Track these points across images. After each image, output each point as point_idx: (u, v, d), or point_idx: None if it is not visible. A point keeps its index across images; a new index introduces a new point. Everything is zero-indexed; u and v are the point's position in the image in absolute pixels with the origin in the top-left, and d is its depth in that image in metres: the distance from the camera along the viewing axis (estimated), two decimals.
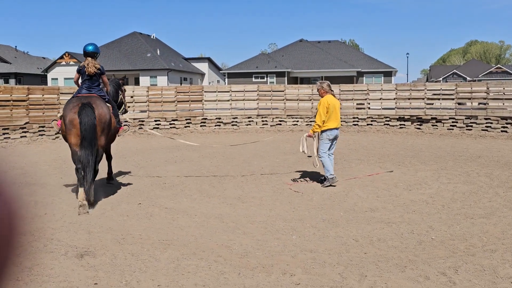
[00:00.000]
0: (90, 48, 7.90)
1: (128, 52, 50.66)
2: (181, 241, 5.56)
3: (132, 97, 18.97)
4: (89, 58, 7.82)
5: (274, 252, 5.16)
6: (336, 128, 8.62)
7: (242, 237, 5.71)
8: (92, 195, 7.12)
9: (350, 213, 6.77)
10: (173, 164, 11.18)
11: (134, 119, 19.02)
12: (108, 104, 7.73)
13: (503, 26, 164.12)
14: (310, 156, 9.20)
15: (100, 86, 7.92)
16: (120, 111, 9.08)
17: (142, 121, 19.13)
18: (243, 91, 20.10)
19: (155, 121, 19.29)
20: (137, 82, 47.93)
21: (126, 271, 4.62)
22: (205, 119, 19.64)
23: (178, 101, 19.61)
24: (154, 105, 19.35)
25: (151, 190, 8.40)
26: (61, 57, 50.80)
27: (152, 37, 56.86)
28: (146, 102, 19.27)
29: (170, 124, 19.31)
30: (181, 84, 48.01)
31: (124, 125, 8.81)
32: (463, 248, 5.20)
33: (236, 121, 19.76)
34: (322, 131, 8.60)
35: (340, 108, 9.13)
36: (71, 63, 49.83)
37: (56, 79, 50.06)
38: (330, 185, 8.43)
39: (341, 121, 19.09)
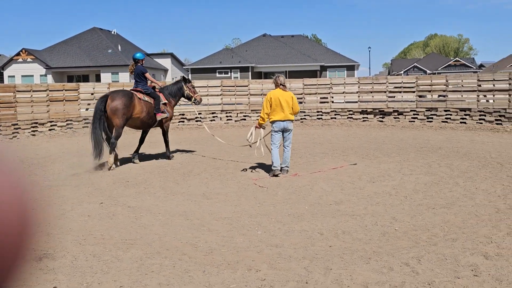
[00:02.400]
0: (135, 55, 10.88)
1: (88, 48, 49.52)
2: (144, 240, 5.45)
3: (92, 94, 18.57)
4: (133, 63, 10.81)
5: (239, 248, 5.12)
6: (283, 120, 8.97)
7: (207, 234, 5.64)
8: (110, 158, 9.89)
9: (315, 206, 6.79)
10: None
11: None
12: (133, 94, 10.32)
13: (461, 20, 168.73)
14: (251, 146, 9.96)
15: (145, 82, 10.76)
16: (191, 102, 11.62)
17: None
18: (206, 86, 19.93)
19: None
20: (98, 79, 46.88)
21: (87, 273, 4.49)
22: None
23: None
24: None
25: (113, 189, 8.22)
26: (18, 54, 49.19)
27: (112, 32, 55.71)
28: None
29: None
30: None
31: (162, 112, 10.77)
32: (425, 238, 5.28)
33: (200, 117, 19.59)
34: (271, 123, 9.13)
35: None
36: (29, 60, 48.38)
37: (13, 76, 48.45)
38: (274, 175, 8.92)
39: (306, 115, 19.35)
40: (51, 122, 17.52)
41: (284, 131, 9.05)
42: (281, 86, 9.16)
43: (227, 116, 19.68)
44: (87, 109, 18.89)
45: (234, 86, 19.94)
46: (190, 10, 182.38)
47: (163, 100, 10.89)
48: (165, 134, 11.11)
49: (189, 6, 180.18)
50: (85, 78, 47.78)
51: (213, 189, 8.08)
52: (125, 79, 44.41)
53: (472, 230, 5.52)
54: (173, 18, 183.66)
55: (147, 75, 10.76)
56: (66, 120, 17.94)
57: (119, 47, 50.42)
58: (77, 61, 48.14)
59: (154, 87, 11.00)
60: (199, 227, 5.95)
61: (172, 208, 6.88)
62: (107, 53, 49.20)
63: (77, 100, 18.42)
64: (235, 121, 19.59)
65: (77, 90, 18.50)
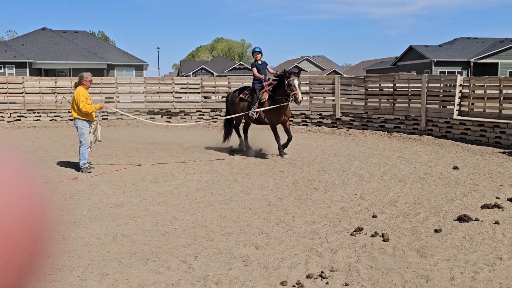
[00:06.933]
0: (254, 48, 11.51)
1: None
2: None
3: None
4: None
5: None
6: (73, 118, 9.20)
7: None
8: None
9: (95, 210, 6.47)
10: None
11: None
12: (239, 92, 11.75)
13: (245, 26, 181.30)
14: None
15: (265, 74, 11.29)
16: (290, 99, 10.72)
17: None
18: None
19: None
20: None
21: None
22: None
23: None
24: None
25: None
26: None
27: None
28: None
29: None
30: None
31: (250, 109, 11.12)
32: (203, 235, 5.44)
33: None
34: None
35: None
36: None
37: None
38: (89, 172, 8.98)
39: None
40: None
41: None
42: (77, 84, 9.16)
43: None
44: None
45: (6, 83, 17.94)
46: None
47: (264, 98, 11.03)
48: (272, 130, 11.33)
49: None
50: None
51: None
52: None
53: (246, 223, 5.88)
54: None
55: (253, 69, 11.23)
56: None
57: None
58: None
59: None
60: None
61: None
62: None
63: None
64: (8, 122, 17.66)
65: None
